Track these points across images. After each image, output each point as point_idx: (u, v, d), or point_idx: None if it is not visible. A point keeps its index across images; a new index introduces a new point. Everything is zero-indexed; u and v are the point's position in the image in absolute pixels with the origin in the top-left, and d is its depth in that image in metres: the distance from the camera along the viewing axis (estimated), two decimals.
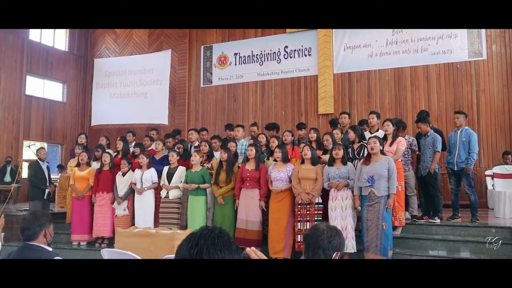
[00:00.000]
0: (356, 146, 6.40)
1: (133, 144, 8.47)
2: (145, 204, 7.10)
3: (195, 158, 6.76)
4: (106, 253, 4.06)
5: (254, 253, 1.56)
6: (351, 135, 6.43)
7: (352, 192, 5.93)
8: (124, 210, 7.23)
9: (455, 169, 6.71)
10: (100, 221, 7.33)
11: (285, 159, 6.36)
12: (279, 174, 6.28)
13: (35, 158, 8.81)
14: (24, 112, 12.60)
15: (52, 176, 12.58)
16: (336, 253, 2.16)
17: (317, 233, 2.17)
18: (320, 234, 2.16)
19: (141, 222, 6.97)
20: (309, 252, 2.16)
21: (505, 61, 9.54)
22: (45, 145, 13.61)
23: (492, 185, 8.12)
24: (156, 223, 6.95)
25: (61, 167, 11.89)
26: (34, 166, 8.35)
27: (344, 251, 5.71)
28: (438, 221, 6.59)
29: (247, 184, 6.43)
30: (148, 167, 7.19)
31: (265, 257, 1.58)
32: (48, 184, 8.36)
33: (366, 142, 6.08)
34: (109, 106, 13.85)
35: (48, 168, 8.60)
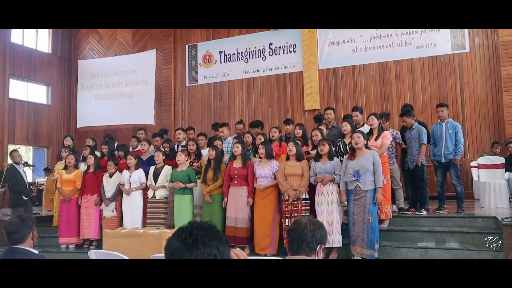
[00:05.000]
0: (347, 140, 6.38)
1: (115, 146, 8.38)
2: (133, 205, 7.08)
3: (181, 158, 6.75)
4: (94, 255, 4.04)
5: (237, 255, 1.56)
6: (347, 127, 6.37)
7: (339, 186, 5.97)
8: (112, 211, 7.20)
9: (443, 161, 6.79)
10: (85, 223, 7.29)
11: (269, 156, 6.38)
12: (263, 171, 6.30)
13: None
14: (8, 115, 12.44)
15: (38, 180, 12.57)
16: (319, 245, 2.18)
17: (300, 227, 2.18)
18: (303, 228, 2.18)
19: (129, 223, 6.95)
20: (294, 246, 2.18)
21: (488, 53, 9.65)
22: (30, 148, 13.50)
23: (478, 176, 8.22)
24: (145, 224, 6.93)
25: (48, 170, 11.77)
26: (13, 171, 7.99)
27: (331, 246, 5.77)
28: (424, 213, 6.66)
29: (236, 182, 6.44)
30: (136, 168, 7.16)
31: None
32: (27, 187, 8.03)
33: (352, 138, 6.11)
34: (94, 108, 13.74)
35: (24, 171, 8.33)
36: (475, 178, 8.77)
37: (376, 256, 5.62)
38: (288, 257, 2.17)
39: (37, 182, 12.47)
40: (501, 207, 7.19)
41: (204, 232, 1.32)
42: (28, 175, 12.37)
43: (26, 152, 14.02)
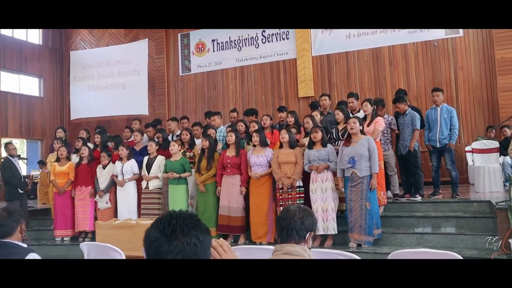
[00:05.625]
0: (341, 127, 6.36)
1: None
2: (127, 196, 7.05)
3: (174, 147, 6.71)
4: (86, 247, 4.01)
5: (215, 248, 1.51)
6: (340, 116, 6.33)
7: (334, 174, 5.96)
8: (107, 203, 7.18)
9: (438, 146, 6.77)
10: (80, 215, 7.26)
11: (263, 143, 6.35)
12: (258, 159, 6.27)
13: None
14: (0, 109, 12.34)
15: (33, 173, 12.50)
16: (309, 233, 2.16)
17: (289, 215, 2.15)
18: (292, 216, 2.15)
19: (125, 214, 6.93)
20: (283, 234, 2.15)
21: (481, 37, 9.59)
22: (24, 141, 13.40)
23: (472, 161, 8.21)
24: (139, 215, 6.90)
25: (42, 163, 11.71)
26: (8, 164, 7.88)
27: (326, 233, 5.77)
28: (419, 198, 6.66)
29: (228, 170, 6.40)
30: (128, 159, 7.11)
31: (229, 252, 1.53)
32: (22, 180, 7.92)
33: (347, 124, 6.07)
34: (87, 99, 13.63)
35: (19, 164, 8.25)
36: (470, 163, 8.76)
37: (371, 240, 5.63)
38: (278, 246, 2.14)
39: (32, 175, 12.42)
40: (496, 191, 7.18)
41: (183, 221, 1.28)
42: (22, 168, 12.36)
43: (20, 145, 13.93)
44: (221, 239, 1.58)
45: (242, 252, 3.62)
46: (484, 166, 7.49)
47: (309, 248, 2.17)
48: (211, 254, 1.49)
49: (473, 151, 8.07)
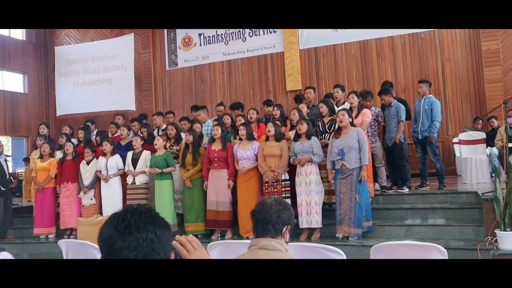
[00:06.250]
0: (327, 120, 6.33)
1: (95, 132, 8.25)
2: (112, 192, 6.95)
3: (158, 142, 6.62)
4: (64, 244, 3.92)
5: (184, 245, 1.42)
6: (324, 109, 6.31)
7: (322, 167, 5.92)
8: (91, 199, 7.07)
9: (419, 137, 6.73)
10: (66, 212, 7.15)
11: (250, 137, 6.27)
12: (245, 152, 6.19)
13: None
14: None
15: (18, 170, 12.32)
16: (286, 226, 2.09)
17: (265, 208, 2.09)
18: (268, 209, 2.08)
19: (109, 210, 6.80)
20: (258, 228, 2.09)
21: (468, 29, 9.57)
22: (9, 138, 13.20)
23: (460, 152, 8.21)
24: None
25: (27, 160, 11.53)
26: None
27: (310, 227, 5.72)
28: (406, 190, 6.63)
29: (215, 164, 6.33)
30: (113, 154, 7.01)
31: (198, 249, 1.45)
32: (7, 178, 7.83)
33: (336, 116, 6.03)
34: (73, 95, 13.44)
35: (5, 160, 8.17)
36: (457, 154, 8.76)
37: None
38: (253, 240, 2.08)
39: (17, 173, 12.23)
40: (483, 182, 7.19)
41: (138, 216, 1.20)
42: (9, 166, 12.17)
43: (6, 143, 13.71)
44: (191, 235, 1.50)
45: (228, 246, 3.56)
46: (471, 157, 7.49)
47: (286, 242, 2.11)
48: (179, 251, 1.41)
49: (460, 142, 8.07)
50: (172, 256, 1.30)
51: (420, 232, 5.79)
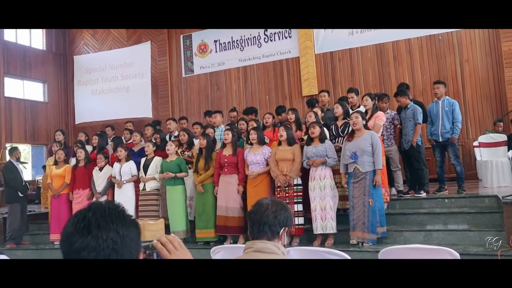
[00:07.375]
0: (340, 123, 6.22)
1: (112, 137, 8.29)
2: (125, 198, 6.89)
3: (171, 147, 6.59)
4: None
5: (165, 244, 1.35)
6: (338, 109, 6.19)
7: (335, 172, 5.80)
8: None
9: (440, 140, 6.55)
10: None
11: (261, 141, 6.19)
12: (255, 157, 6.11)
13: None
14: (4, 114, 12.31)
15: (37, 177, 12.48)
16: (283, 228, 2.00)
17: (262, 209, 2.00)
18: (264, 210, 1.99)
19: None
20: (254, 230, 2.00)
21: (487, 30, 9.33)
22: (29, 147, 13.40)
23: (480, 155, 7.96)
24: (137, 216, 6.78)
25: (45, 168, 11.67)
26: (11, 167, 7.85)
27: (325, 232, 5.59)
28: (424, 194, 6.45)
29: (226, 170, 6.27)
30: (127, 160, 7.01)
31: (180, 249, 1.37)
32: (23, 184, 7.87)
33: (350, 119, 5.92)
34: (92, 103, 13.61)
35: (21, 168, 8.24)
36: (478, 158, 8.52)
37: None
38: (248, 243, 1.99)
39: (37, 180, 12.40)
40: (504, 186, 6.96)
41: (101, 214, 1.10)
42: (28, 173, 12.35)
43: (26, 151, 13.92)
44: (172, 234, 1.43)
45: (231, 251, 3.48)
46: (492, 160, 7.27)
47: (284, 246, 2.02)
48: (160, 251, 1.35)
49: (480, 145, 7.84)
50: (141, 257, 1.22)
51: (438, 237, 5.61)
